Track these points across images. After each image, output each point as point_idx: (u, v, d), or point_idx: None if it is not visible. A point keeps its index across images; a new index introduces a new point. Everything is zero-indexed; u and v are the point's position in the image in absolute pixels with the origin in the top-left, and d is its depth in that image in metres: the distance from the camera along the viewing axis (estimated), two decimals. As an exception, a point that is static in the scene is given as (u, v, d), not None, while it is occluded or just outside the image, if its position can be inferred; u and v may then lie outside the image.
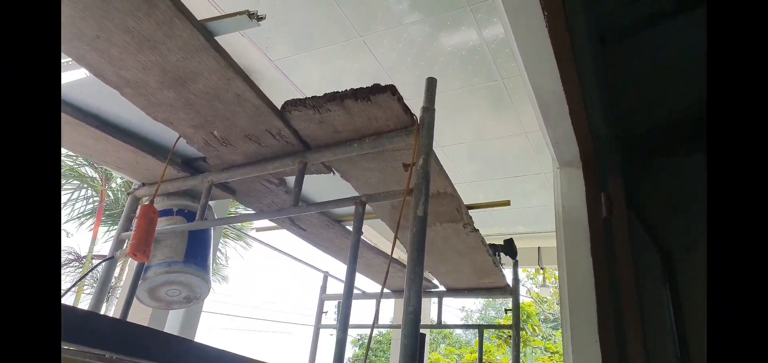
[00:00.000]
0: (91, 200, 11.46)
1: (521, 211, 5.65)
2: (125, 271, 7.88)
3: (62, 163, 11.44)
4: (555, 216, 2.34)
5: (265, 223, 2.91)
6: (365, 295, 3.45)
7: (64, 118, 1.73)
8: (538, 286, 10.05)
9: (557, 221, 2.31)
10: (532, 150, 4.46)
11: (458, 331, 22.04)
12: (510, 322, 2.91)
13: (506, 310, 2.96)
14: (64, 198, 11.20)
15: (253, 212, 2.35)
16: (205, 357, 1.06)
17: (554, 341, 10.98)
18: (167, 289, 2.17)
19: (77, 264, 11.03)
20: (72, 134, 1.92)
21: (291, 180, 2.07)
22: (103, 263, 2.11)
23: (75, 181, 11.25)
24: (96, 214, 11.40)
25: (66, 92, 1.71)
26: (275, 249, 3.50)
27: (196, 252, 2.19)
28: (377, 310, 1.70)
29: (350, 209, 2.44)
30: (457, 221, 2.20)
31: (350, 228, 2.58)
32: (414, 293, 1.35)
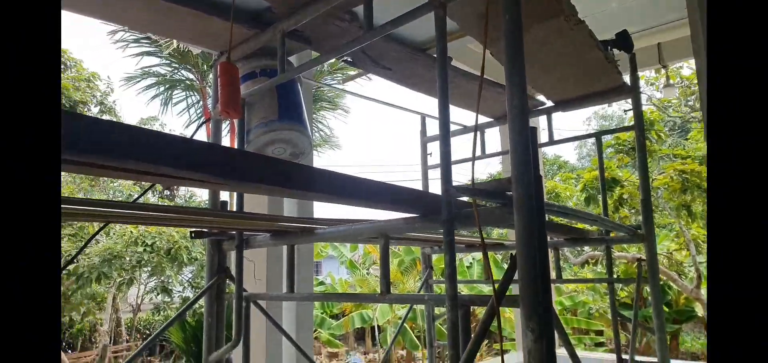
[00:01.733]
0: (199, 106, 12.18)
1: (631, 5, 4.92)
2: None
3: (161, 76, 12.14)
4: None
5: (357, 84, 2.81)
6: (465, 129, 3.29)
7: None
8: (661, 89, 9.09)
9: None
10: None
11: (572, 160, 21.40)
12: (632, 124, 2.62)
13: (626, 111, 2.64)
14: (177, 108, 11.97)
15: (329, 54, 2.24)
16: (330, 180, 1.01)
17: (683, 146, 10.13)
18: (272, 148, 2.21)
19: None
20: (140, 15, 1.89)
21: (361, 10, 1.89)
22: (198, 129, 2.18)
23: (180, 92, 11.93)
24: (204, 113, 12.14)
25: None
26: (370, 99, 3.43)
27: (289, 107, 2.19)
28: (475, 140, 1.56)
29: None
30: (557, 15, 1.90)
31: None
32: (516, 87, 1.18)
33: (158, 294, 10.89)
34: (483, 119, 3.30)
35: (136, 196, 8.48)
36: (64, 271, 8.42)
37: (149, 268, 9.67)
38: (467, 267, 11.32)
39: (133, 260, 8.90)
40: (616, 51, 2.58)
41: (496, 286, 1.20)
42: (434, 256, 3.49)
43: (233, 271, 2.13)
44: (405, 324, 10.86)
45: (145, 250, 8.75)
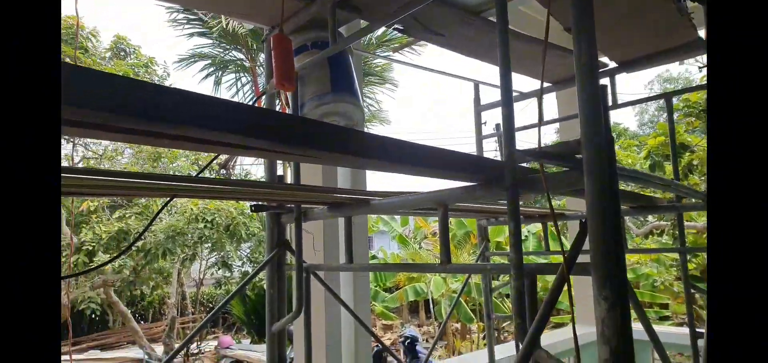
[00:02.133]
0: (251, 87, 12.43)
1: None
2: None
3: (212, 57, 12.43)
4: None
5: (407, 55, 2.74)
6: (522, 96, 3.17)
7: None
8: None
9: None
10: None
11: (633, 127, 20.41)
12: (705, 83, 2.43)
13: (701, 68, 2.45)
14: (227, 93, 12.26)
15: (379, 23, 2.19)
16: (389, 146, 0.99)
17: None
18: (326, 121, 2.21)
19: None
20: (195, -9, 1.90)
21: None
22: (254, 104, 2.19)
23: (230, 73, 12.19)
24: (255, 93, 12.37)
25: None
26: (421, 67, 3.35)
27: (342, 80, 2.17)
28: (541, 102, 1.48)
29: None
30: (625, -35, 1.76)
31: (493, 19, 2.28)
32: (584, 43, 1.10)
33: (219, 269, 11.36)
34: (539, 85, 3.16)
35: (199, 170, 8.80)
36: (133, 248, 8.91)
37: (210, 244, 10.08)
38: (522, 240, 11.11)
39: (195, 236, 9.30)
40: (690, 2, 2.39)
41: (566, 254, 1.14)
42: (490, 229, 3.42)
43: (293, 244, 2.16)
44: (459, 297, 10.86)
45: (205, 226, 9.12)
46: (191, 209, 9.07)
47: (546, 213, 2.95)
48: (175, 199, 9.97)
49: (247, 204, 10.60)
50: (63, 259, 9.35)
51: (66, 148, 9.89)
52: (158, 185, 1.33)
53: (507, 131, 1.31)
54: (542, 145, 1.26)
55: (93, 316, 13.82)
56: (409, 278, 11.43)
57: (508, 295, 11.41)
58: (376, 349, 7.60)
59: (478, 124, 3.17)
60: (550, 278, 1.20)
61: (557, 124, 5.29)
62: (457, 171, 1.29)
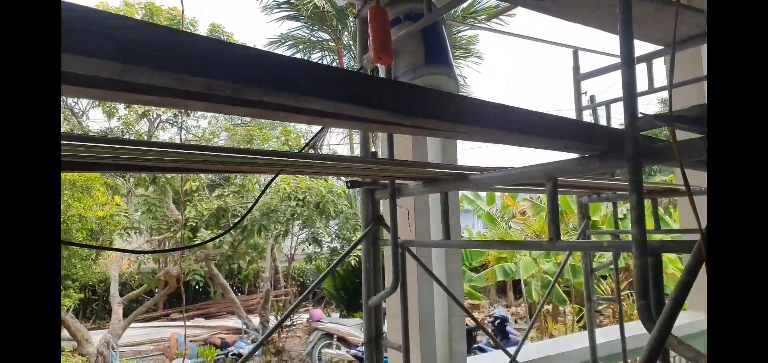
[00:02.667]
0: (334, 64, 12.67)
1: None
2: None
3: (299, 38, 12.76)
4: None
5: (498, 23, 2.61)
6: (644, 57, 2.91)
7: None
8: None
9: None
10: None
11: None
12: None
13: None
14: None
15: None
16: (501, 113, 0.93)
17: None
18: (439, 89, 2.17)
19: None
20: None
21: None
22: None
23: (317, 53, 12.47)
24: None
25: None
26: (515, 35, 3.19)
27: (435, 51, 2.11)
28: (672, 62, 1.33)
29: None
30: None
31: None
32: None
33: (309, 244, 11.81)
34: (649, 48, 2.89)
35: (305, 144, 9.13)
36: (232, 226, 9.49)
37: (301, 221, 10.49)
38: (620, 219, 10.46)
39: (288, 214, 9.71)
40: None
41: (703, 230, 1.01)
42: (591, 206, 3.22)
43: (387, 219, 2.16)
44: (549, 277, 10.46)
45: (297, 204, 9.49)
46: (284, 188, 9.47)
47: (657, 188, 2.72)
48: (267, 178, 10.46)
49: (337, 182, 10.90)
50: (173, 235, 10.17)
51: (170, 131, 10.68)
52: (266, 160, 1.36)
53: (628, 96, 1.18)
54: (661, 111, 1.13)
55: (197, 287, 14.99)
56: (498, 258, 11.19)
57: (604, 278, 10.83)
58: (466, 327, 7.54)
59: (578, 93, 2.97)
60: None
61: (661, 93, 4.84)
62: (573, 140, 1.19)
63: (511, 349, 2.69)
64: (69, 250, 8.49)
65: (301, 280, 17.13)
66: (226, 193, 9.99)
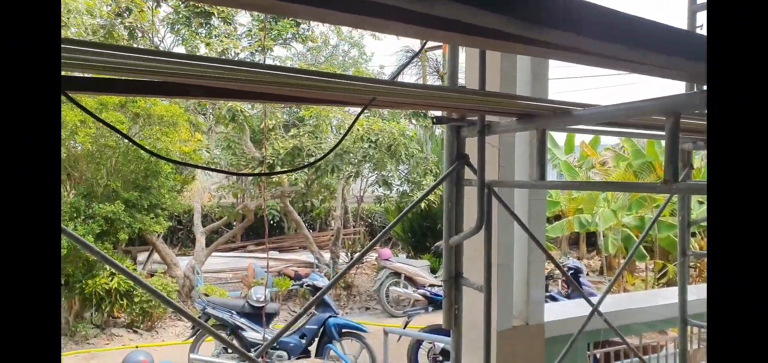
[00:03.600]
0: None
1: None
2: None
3: None
4: None
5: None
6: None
7: None
8: None
9: None
10: None
11: None
12: None
13: None
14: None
15: None
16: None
17: None
18: None
19: (417, 60, 12.34)
20: None
21: None
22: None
23: None
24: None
25: None
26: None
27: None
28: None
29: None
30: None
31: None
32: None
33: (379, 186, 11.94)
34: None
35: (397, 71, 9.06)
36: (306, 165, 9.74)
37: (372, 163, 10.58)
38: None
39: (359, 155, 9.81)
40: None
41: None
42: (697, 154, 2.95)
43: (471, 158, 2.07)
44: (628, 231, 9.98)
45: (369, 146, 9.54)
46: (357, 129, 9.54)
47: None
48: (340, 122, 10.56)
49: (409, 125, 10.81)
50: (254, 167, 10.59)
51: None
52: (358, 87, 1.31)
53: None
54: None
55: (272, 222, 15.73)
56: (575, 209, 10.78)
57: (694, 235, 10.18)
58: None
59: (692, 27, 2.67)
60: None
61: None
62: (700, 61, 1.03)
63: (580, 301, 2.57)
64: (159, 181, 9.10)
65: (370, 221, 17.49)
66: (301, 133, 10.21)
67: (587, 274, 10.95)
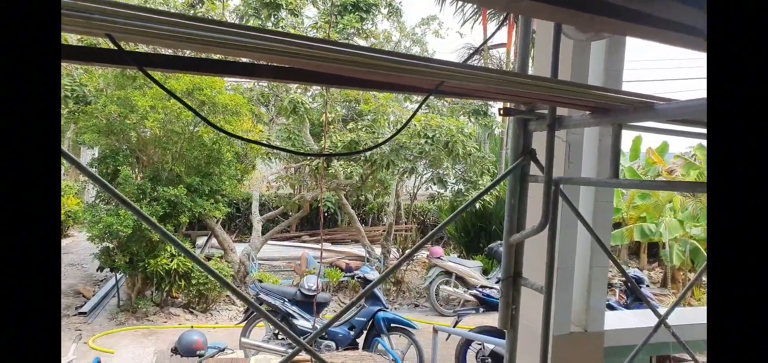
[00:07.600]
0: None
1: None
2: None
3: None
4: None
5: None
6: None
7: None
8: None
9: None
10: None
11: None
12: None
13: None
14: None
15: None
16: None
17: None
18: None
19: (478, 56, 12.13)
20: None
21: None
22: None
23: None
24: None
25: None
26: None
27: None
28: None
29: None
30: None
31: None
32: None
33: (434, 184, 11.84)
34: None
35: (471, 53, 9.03)
36: (363, 156, 9.79)
37: (427, 160, 10.50)
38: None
39: (416, 151, 9.76)
40: None
41: None
42: None
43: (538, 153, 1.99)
44: (696, 243, 9.39)
45: (426, 142, 9.48)
46: (414, 124, 9.49)
47: None
48: (397, 118, 10.55)
49: (468, 123, 10.65)
50: (310, 162, 10.78)
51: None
52: (425, 68, 1.27)
53: None
54: None
55: (326, 214, 15.97)
56: (638, 216, 10.27)
57: None
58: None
59: None
60: None
61: None
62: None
63: (640, 312, 2.42)
64: (220, 168, 9.42)
65: (422, 218, 17.41)
66: (359, 127, 10.29)
67: (647, 286, 10.42)
